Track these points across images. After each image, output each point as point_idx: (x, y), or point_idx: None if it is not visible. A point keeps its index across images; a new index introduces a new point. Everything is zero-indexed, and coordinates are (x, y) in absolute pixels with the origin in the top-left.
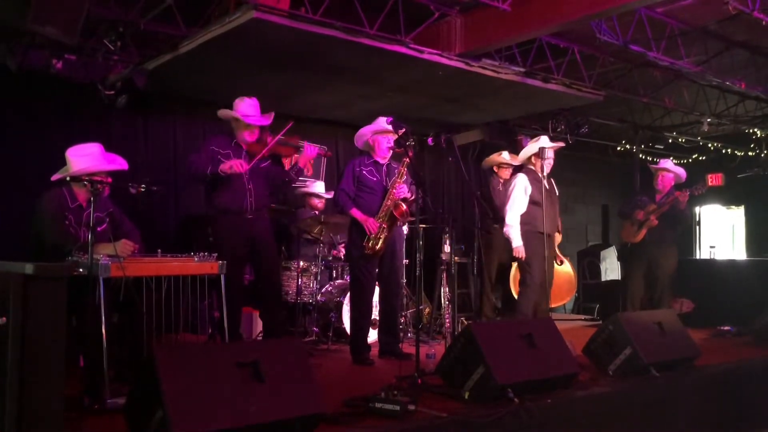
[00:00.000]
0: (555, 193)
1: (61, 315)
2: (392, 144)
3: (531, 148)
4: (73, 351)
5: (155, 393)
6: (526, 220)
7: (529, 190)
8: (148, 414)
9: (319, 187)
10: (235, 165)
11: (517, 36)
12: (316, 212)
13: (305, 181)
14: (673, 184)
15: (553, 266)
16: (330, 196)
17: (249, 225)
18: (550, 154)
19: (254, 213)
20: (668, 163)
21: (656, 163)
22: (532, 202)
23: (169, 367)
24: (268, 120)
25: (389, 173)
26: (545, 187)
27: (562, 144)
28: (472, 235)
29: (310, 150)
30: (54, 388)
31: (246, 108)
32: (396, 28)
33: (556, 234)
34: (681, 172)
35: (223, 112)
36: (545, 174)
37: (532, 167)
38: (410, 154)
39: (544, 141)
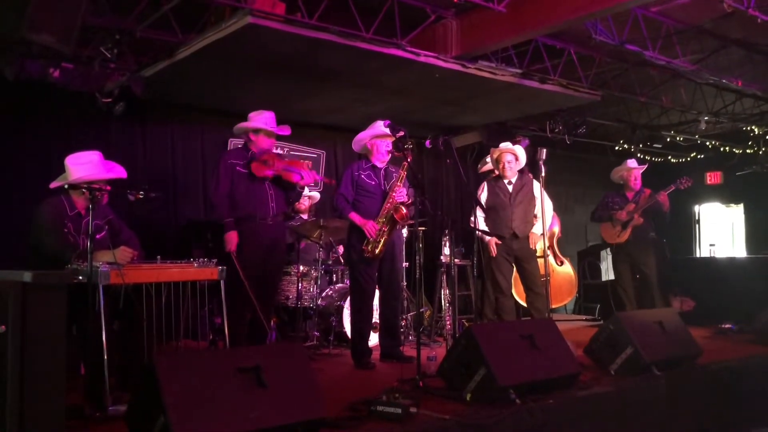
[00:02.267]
0: (530, 192)
1: (61, 323)
2: (391, 147)
3: (491, 154)
4: (74, 359)
5: (157, 400)
6: (487, 225)
7: (484, 197)
8: (149, 421)
9: None
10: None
11: (513, 37)
12: (304, 216)
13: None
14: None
15: (533, 264)
16: (313, 194)
17: (269, 231)
18: (508, 158)
19: (274, 219)
20: (634, 162)
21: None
22: (489, 207)
23: (171, 374)
24: (288, 131)
25: (387, 177)
26: (509, 190)
27: (511, 148)
28: (472, 236)
29: (308, 177)
30: (54, 397)
31: (267, 119)
32: (392, 32)
33: (532, 233)
34: (642, 166)
35: (240, 126)
36: (509, 177)
37: (497, 172)
38: (409, 157)
39: (502, 146)
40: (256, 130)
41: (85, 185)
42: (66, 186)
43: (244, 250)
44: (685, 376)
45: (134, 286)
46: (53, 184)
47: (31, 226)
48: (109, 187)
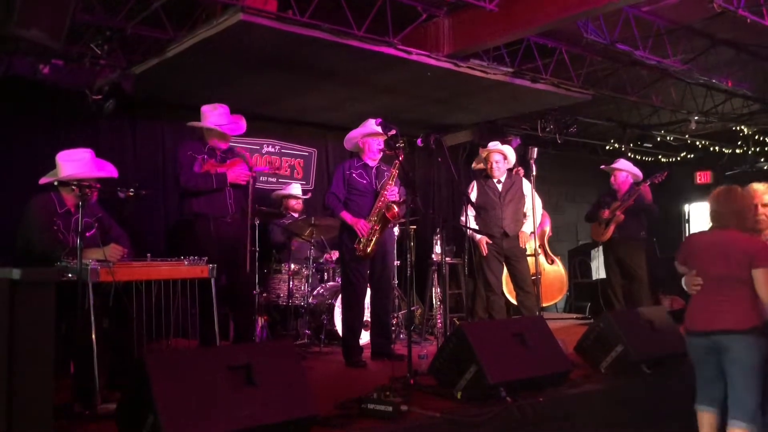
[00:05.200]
0: (519, 191)
1: (50, 321)
2: (382, 146)
3: (480, 153)
4: (64, 357)
5: (146, 398)
6: (478, 224)
7: (473, 196)
8: (139, 420)
9: (295, 189)
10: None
11: (505, 36)
12: (295, 215)
13: (283, 184)
14: (631, 182)
15: (523, 262)
16: (307, 196)
17: (229, 228)
18: (496, 157)
19: (232, 218)
20: (621, 162)
21: (613, 162)
22: (478, 206)
23: (160, 372)
24: (242, 128)
25: (379, 175)
26: (497, 189)
27: (499, 148)
28: (463, 235)
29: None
30: (43, 395)
31: (218, 117)
32: (384, 30)
33: (522, 232)
34: (635, 170)
35: (193, 124)
36: (498, 176)
37: (487, 171)
38: (401, 156)
39: (491, 146)
40: (209, 130)
41: (75, 183)
42: (56, 183)
43: (203, 250)
44: (674, 373)
45: (124, 283)
46: (43, 180)
47: (19, 223)
48: (99, 185)
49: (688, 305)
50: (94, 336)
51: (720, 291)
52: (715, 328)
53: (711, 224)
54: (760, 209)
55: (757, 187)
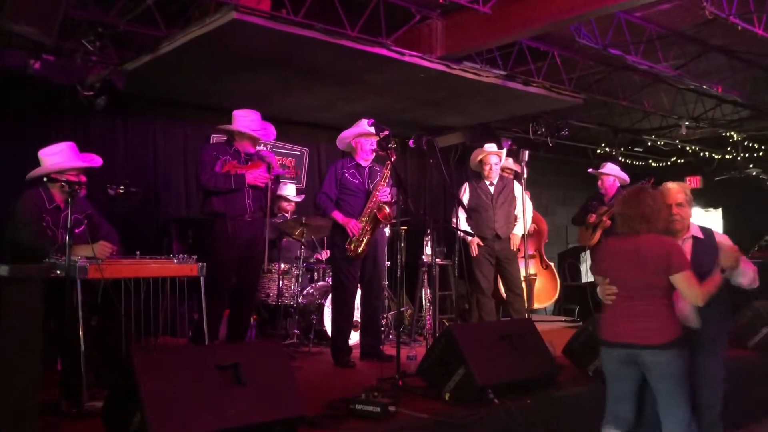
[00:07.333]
0: (511, 194)
1: (37, 318)
2: (375, 146)
3: (474, 155)
4: (51, 354)
5: (133, 396)
6: (469, 225)
7: (466, 198)
8: (126, 418)
9: (289, 190)
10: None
11: (498, 39)
12: (287, 215)
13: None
14: (618, 186)
15: (514, 265)
16: (299, 199)
17: (247, 228)
18: (494, 160)
19: (252, 216)
20: (608, 167)
21: (600, 166)
22: (470, 208)
23: (148, 370)
24: (273, 134)
25: (371, 176)
26: (491, 191)
27: (496, 150)
28: (454, 236)
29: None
30: (29, 392)
31: (251, 122)
32: (377, 31)
33: (514, 235)
34: (621, 174)
35: (225, 127)
36: (492, 178)
37: (481, 172)
38: (393, 156)
39: (486, 148)
40: (241, 134)
41: (62, 178)
42: (45, 179)
43: (221, 249)
44: None
45: (113, 281)
46: (28, 176)
47: (8, 219)
48: (84, 178)
49: (603, 315)
50: (81, 333)
51: (636, 301)
52: (635, 342)
53: (620, 229)
54: (675, 209)
55: (671, 186)
